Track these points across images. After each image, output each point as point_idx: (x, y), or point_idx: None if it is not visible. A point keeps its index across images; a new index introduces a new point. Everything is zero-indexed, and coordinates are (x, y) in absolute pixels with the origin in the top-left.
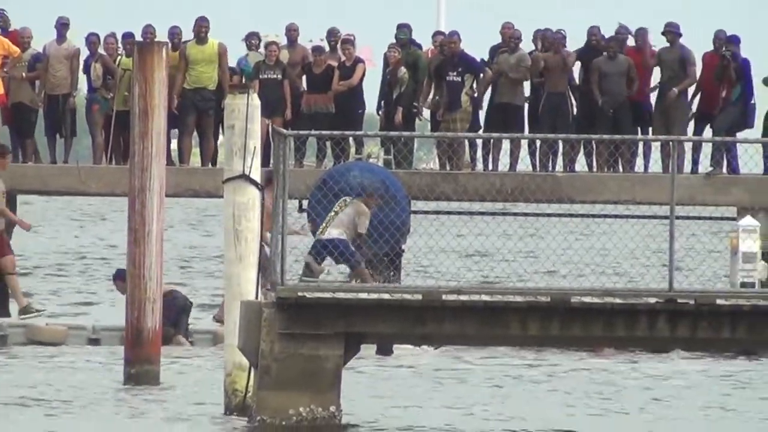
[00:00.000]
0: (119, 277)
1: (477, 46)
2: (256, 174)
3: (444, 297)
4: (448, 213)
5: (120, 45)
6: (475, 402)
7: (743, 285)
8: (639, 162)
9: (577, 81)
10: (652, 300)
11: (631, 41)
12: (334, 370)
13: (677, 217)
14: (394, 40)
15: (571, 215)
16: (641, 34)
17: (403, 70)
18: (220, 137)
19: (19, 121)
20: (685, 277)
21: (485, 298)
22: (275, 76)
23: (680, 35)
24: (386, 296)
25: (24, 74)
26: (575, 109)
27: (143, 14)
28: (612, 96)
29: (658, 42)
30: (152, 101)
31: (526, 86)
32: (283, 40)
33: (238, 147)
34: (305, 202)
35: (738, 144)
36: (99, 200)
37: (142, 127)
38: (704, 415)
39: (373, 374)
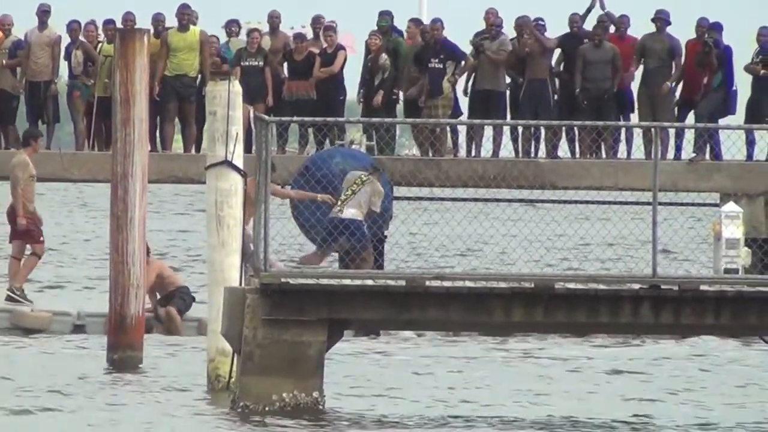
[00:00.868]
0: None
1: (459, 33)
2: (239, 160)
3: (427, 283)
4: (431, 199)
5: (101, 32)
6: (459, 387)
7: (727, 271)
8: (622, 148)
9: (555, 67)
10: (636, 286)
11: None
12: (318, 357)
13: (660, 203)
14: (376, 27)
15: (552, 201)
16: (623, 21)
17: (384, 57)
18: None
19: (0, 108)
20: (679, 263)
21: (469, 284)
22: (257, 63)
23: (669, 23)
24: (370, 282)
25: (4, 61)
26: (556, 96)
27: (124, 1)
28: (596, 83)
29: (636, 30)
30: (133, 88)
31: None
32: (265, 28)
33: (220, 133)
34: (288, 188)
35: (720, 130)
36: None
37: (123, 113)
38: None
39: (357, 360)
